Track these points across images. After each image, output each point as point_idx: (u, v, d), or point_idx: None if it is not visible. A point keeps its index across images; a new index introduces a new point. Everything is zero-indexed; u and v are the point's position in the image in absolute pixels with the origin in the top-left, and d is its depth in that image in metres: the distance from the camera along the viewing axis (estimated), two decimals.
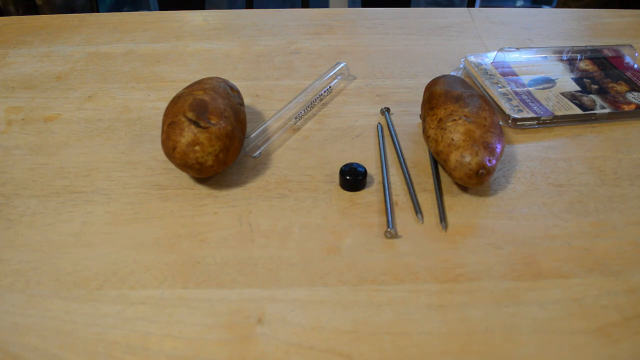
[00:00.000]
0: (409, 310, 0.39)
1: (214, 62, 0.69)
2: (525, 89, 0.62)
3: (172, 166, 0.51)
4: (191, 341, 0.37)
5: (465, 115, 0.48)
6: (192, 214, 0.46)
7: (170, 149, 0.46)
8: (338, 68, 0.64)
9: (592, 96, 0.61)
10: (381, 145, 0.54)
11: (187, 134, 0.45)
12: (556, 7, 1.58)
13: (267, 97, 0.62)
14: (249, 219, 0.46)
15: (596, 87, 0.63)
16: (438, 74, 0.56)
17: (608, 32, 0.78)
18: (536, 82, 0.63)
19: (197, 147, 0.45)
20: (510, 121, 0.57)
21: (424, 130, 0.51)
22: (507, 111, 0.57)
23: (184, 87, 0.58)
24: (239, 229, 0.45)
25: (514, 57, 0.67)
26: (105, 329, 0.37)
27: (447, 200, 0.48)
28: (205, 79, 0.52)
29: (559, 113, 0.58)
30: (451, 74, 0.65)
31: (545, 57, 0.68)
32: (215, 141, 0.45)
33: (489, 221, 0.46)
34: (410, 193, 0.48)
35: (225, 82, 0.54)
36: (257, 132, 0.55)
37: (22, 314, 0.38)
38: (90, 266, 0.42)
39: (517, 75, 0.64)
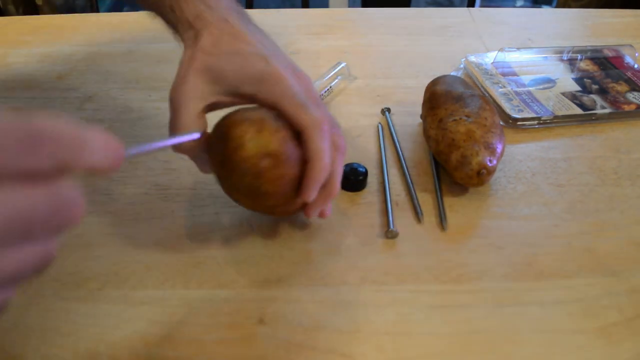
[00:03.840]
0: (410, 311, 0.39)
1: None
2: (526, 89, 0.62)
3: (173, 166, 0.51)
4: (192, 341, 0.37)
5: (466, 115, 0.48)
6: (193, 214, 0.46)
7: None
8: (338, 68, 0.64)
9: (593, 96, 0.61)
10: (382, 145, 0.54)
11: None
12: (556, 7, 1.59)
13: None
14: (249, 219, 0.46)
15: (596, 87, 0.63)
16: (438, 74, 0.56)
17: (608, 32, 0.78)
18: (536, 82, 0.63)
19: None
20: (510, 121, 0.57)
21: (425, 130, 0.51)
22: (508, 111, 0.57)
23: None
24: (240, 229, 0.45)
25: (515, 57, 0.67)
26: (107, 330, 0.37)
27: (448, 200, 0.48)
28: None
29: (559, 113, 0.58)
30: (451, 74, 0.65)
31: (546, 57, 0.68)
32: None
33: (489, 221, 0.46)
34: (410, 193, 0.48)
35: None
36: None
37: (23, 314, 0.38)
38: (91, 266, 0.42)
39: (517, 75, 0.64)
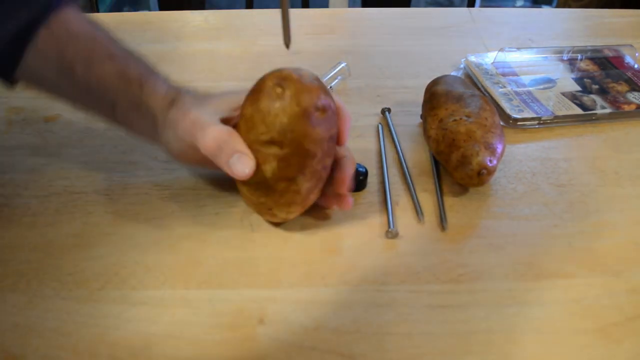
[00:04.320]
0: (410, 311, 0.39)
1: (214, 63, 0.69)
2: (526, 89, 0.62)
3: (173, 166, 0.51)
4: (192, 342, 0.37)
5: (466, 116, 0.48)
6: (193, 214, 0.46)
7: None
8: (339, 68, 0.64)
9: (593, 96, 0.61)
10: (382, 145, 0.54)
11: None
12: (556, 7, 1.59)
13: None
14: (249, 219, 0.46)
15: (597, 87, 0.63)
16: (439, 74, 0.56)
17: (608, 32, 0.78)
18: (537, 82, 0.63)
19: None
20: (511, 121, 0.57)
21: (425, 131, 0.51)
22: (508, 111, 0.57)
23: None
24: (240, 230, 0.45)
25: (515, 57, 0.67)
26: (107, 330, 0.37)
27: (448, 200, 0.48)
28: None
29: (559, 113, 0.58)
30: (452, 74, 0.65)
31: (546, 57, 0.68)
32: None
33: (490, 221, 0.46)
34: (411, 193, 0.48)
35: None
36: None
37: (23, 314, 0.38)
38: (91, 267, 0.42)
39: (517, 75, 0.64)
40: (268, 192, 0.41)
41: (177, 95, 0.43)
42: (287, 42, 0.40)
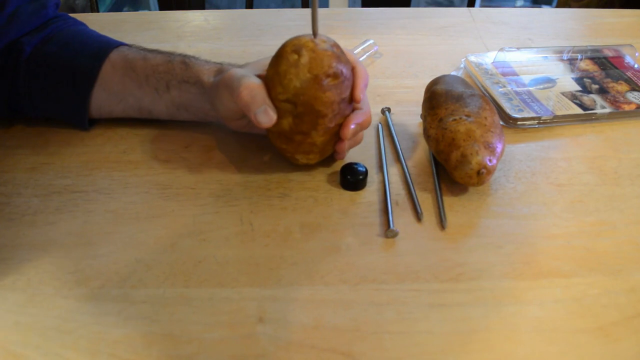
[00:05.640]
0: (409, 309, 0.39)
1: None
2: (526, 88, 0.62)
3: (173, 165, 0.51)
4: (192, 340, 0.37)
5: (466, 115, 0.48)
6: (193, 213, 0.46)
7: None
8: (365, 45, 0.66)
9: (593, 96, 0.61)
10: (382, 145, 0.54)
11: None
12: (556, 7, 1.58)
13: None
14: (250, 218, 0.46)
15: (596, 86, 0.63)
16: (439, 74, 0.56)
17: (608, 32, 0.78)
18: (537, 82, 0.63)
19: None
20: (510, 121, 0.57)
21: (425, 130, 0.51)
22: (508, 111, 0.57)
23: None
24: (240, 228, 0.45)
25: (515, 57, 0.67)
26: (107, 328, 0.37)
27: (448, 199, 0.48)
28: None
29: (559, 113, 0.58)
30: (452, 73, 0.65)
31: (546, 56, 0.68)
32: None
33: (489, 220, 0.46)
34: (410, 192, 0.48)
35: None
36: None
37: (24, 312, 0.38)
38: (91, 265, 0.42)
39: (517, 75, 0.64)
40: (288, 141, 0.47)
41: (221, 67, 0.52)
42: (315, 31, 0.45)
